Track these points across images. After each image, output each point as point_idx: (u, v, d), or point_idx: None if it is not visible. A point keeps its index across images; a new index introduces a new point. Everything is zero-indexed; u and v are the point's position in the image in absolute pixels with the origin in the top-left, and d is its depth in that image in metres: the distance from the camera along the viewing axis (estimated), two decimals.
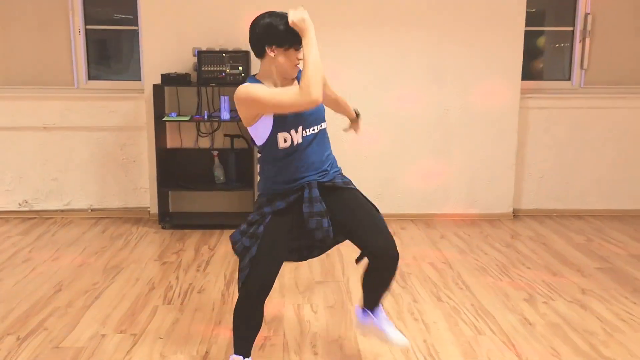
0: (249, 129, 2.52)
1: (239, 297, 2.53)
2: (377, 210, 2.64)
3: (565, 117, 5.46)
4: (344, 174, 2.71)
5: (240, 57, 4.86)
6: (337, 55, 5.13)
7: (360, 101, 5.31)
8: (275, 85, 2.50)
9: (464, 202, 5.44)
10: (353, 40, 5.16)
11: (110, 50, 5.80)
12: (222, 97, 4.95)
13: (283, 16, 2.41)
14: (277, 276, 2.53)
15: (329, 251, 4.36)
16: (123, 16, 5.52)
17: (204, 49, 5.00)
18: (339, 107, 2.99)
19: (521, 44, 5.23)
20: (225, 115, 4.94)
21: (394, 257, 2.57)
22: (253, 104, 2.42)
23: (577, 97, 5.49)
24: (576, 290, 3.75)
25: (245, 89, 2.43)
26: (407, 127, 5.30)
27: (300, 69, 2.44)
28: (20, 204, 5.36)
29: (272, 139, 2.49)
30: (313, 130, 2.54)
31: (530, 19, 5.36)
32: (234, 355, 2.58)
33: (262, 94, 2.39)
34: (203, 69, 4.87)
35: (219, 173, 5.13)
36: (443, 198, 5.42)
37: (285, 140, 2.49)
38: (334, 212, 2.56)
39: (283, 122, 2.47)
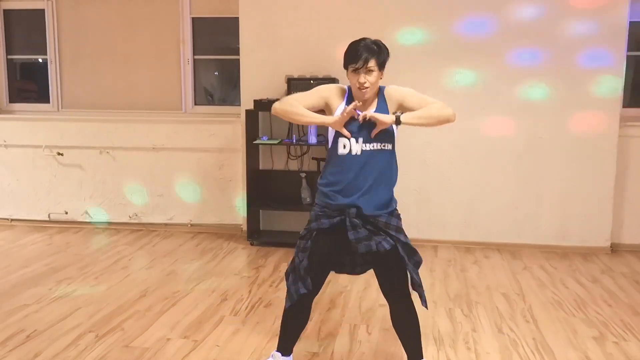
0: None
1: (291, 301, 2.77)
2: (407, 259, 2.69)
3: None
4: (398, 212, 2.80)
5: (327, 84, 5.04)
6: (423, 82, 5.18)
7: (448, 126, 5.30)
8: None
9: (555, 233, 5.21)
10: (440, 66, 5.18)
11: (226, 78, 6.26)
12: None
13: (360, 40, 2.65)
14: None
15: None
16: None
17: (295, 76, 5.26)
18: None
19: (622, 70, 4.97)
20: (312, 139, 5.16)
21: (404, 306, 2.74)
22: None
23: None
24: None
25: None
26: (496, 154, 5.21)
27: (364, 92, 2.64)
28: (130, 217, 5.91)
29: (334, 142, 2.70)
30: (373, 146, 2.66)
31: None
32: (276, 352, 2.87)
33: None
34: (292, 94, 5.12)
35: (305, 194, 5.35)
36: (533, 228, 5.23)
37: (344, 147, 2.67)
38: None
39: (346, 127, 2.66)
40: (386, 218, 2.70)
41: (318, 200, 2.78)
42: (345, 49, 2.67)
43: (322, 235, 2.71)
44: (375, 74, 2.63)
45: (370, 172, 2.65)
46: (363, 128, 2.65)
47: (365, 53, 2.60)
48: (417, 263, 2.73)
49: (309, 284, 2.72)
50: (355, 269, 2.88)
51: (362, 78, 2.60)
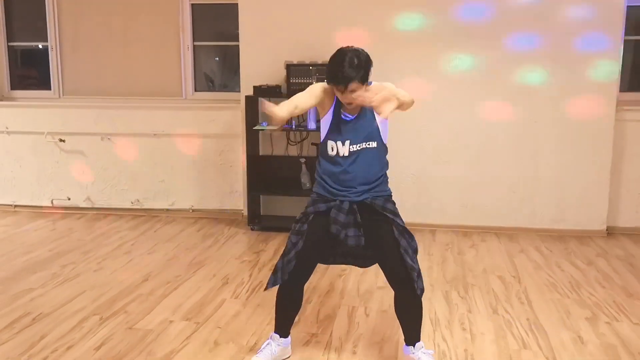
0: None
1: (274, 283, 2.86)
2: (402, 242, 2.75)
3: None
4: (392, 197, 2.87)
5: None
6: (421, 67, 5.22)
7: (445, 111, 5.38)
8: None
9: (552, 217, 5.28)
10: (436, 51, 5.21)
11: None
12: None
13: (341, 56, 2.60)
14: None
15: None
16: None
17: (295, 62, 5.29)
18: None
19: (618, 54, 5.01)
20: (311, 125, 5.20)
21: (407, 293, 2.77)
22: None
23: None
24: None
25: None
26: (494, 138, 5.26)
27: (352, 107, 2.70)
28: (132, 202, 5.98)
29: (324, 143, 2.80)
30: (360, 146, 2.75)
31: None
32: (274, 334, 2.97)
33: None
34: (291, 81, 5.18)
35: (305, 180, 5.41)
36: (530, 212, 5.29)
37: (332, 149, 2.77)
38: (364, 229, 2.79)
39: (334, 131, 2.74)
40: (382, 202, 2.79)
41: (316, 188, 2.88)
42: (334, 53, 2.66)
43: (318, 218, 2.80)
44: (359, 90, 2.62)
45: (358, 170, 2.75)
46: (349, 131, 2.73)
47: (347, 76, 2.55)
48: (415, 249, 2.80)
49: (291, 266, 2.78)
50: (347, 259, 2.98)
51: (348, 99, 2.64)
